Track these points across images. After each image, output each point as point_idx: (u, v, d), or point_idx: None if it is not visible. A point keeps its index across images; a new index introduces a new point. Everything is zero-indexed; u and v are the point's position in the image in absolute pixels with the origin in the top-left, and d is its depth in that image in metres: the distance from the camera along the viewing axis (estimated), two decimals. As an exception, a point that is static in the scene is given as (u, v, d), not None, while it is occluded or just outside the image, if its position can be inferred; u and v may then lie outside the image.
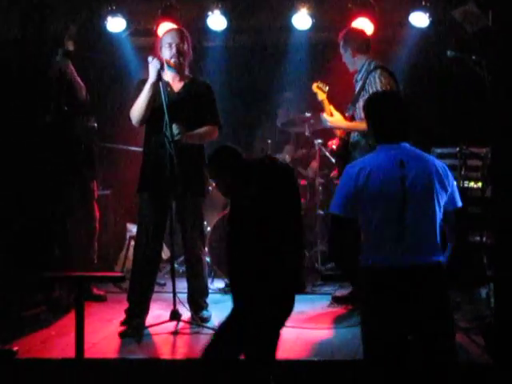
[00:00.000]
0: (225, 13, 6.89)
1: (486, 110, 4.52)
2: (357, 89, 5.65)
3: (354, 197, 3.41)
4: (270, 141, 7.06)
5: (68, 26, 6.04)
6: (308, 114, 6.99)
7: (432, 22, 6.69)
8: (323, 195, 7.20)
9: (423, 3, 6.67)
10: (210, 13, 6.88)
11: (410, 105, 3.81)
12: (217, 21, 6.93)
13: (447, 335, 3.45)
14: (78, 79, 6.08)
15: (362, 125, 5.48)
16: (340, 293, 6.05)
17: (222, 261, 6.20)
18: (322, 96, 5.78)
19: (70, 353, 4.33)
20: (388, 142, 3.51)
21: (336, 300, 5.95)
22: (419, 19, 6.73)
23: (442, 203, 3.46)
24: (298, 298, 5.94)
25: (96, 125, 6.24)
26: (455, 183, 3.61)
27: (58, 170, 5.87)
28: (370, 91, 5.41)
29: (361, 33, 5.93)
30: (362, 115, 5.47)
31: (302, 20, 6.90)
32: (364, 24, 6.75)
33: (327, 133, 7.23)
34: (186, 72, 5.40)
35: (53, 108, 5.85)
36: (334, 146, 5.84)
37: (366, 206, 3.42)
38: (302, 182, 7.26)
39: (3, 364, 4.55)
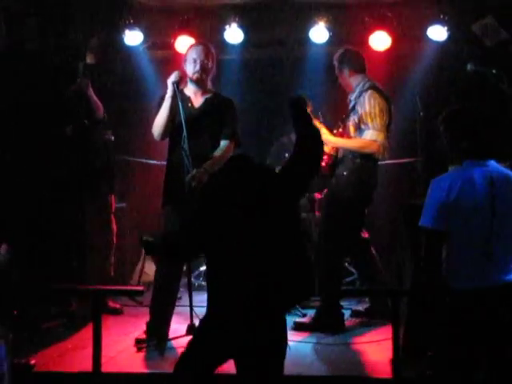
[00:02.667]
0: (242, 26, 6.91)
1: (508, 124, 4.48)
2: (349, 108, 5.63)
3: (447, 210, 3.36)
4: (287, 154, 7.02)
5: (89, 39, 6.06)
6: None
7: (450, 36, 6.66)
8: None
9: (441, 17, 6.64)
10: (227, 26, 6.90)
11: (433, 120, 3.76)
12: (234, 34, 6.95)
13: None
14: (96, 98, 6.10)
15: (348, 142, 5.53)
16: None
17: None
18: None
19: (87, 366, 4.31)
20: (476, 159, 3.46)
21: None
22: (437, 33, 6.71)
23: None
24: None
25: (113, 138, 6.26)
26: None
27: (77, 182, 5.89)
28: (360, 111, 5.43)
29: (356, 53, 5.88)
30: (352, 134, 5.48)
31: (319, 33, 6.90)
32: (381, 38, 6.75)
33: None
34: (209, 86, 5.37)
35: (73, 121, 5.88)
36: (323, 163, 5.81)
37: (456, 221, 3.37)
38: (318, 196, 7.22)
39: (21, 377, 4.52)
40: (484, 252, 3.32)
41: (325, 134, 5.55)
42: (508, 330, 3.31)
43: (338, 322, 5.53)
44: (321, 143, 3.74)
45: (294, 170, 3.62)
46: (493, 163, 3.46)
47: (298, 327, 5.57)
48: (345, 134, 5.62)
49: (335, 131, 5.71)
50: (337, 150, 5.67)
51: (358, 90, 5.57)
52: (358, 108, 5.46)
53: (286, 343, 3.47)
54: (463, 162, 3.48)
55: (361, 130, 5.44)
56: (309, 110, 5.50)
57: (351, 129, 5.53)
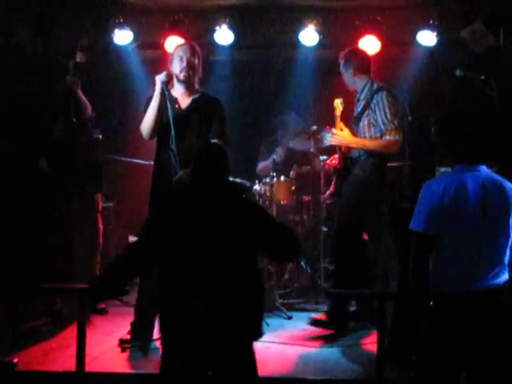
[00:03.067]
0: (232, 27, 6.90)
1: (495, 130, 4.50)
2: (359, 108, 5.64)
3: (439, 214, 3.32)
4: (274, 156, 7.04)
5: (79, 38, 6.05)
6: (314, 127, 6.97)
7: (440, 41, 6.68)
8: (327, 211, 7.17)
9: (431, 22, 6.67)
10: (217, 27, 6.88)
11: (426, 124, 3.75)
12: (224, 35, 6.94)
13: None
14: (84, 98, 6.09)
15: (369, 142, 5.50)
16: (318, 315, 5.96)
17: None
18: (337, 112, 5.77)
19: (71, 366, 4.31)
20: (468, 163, 3.43)
21: (314, 322, 5.85)
22: (427, 38, 6.73)
23: None
24: (300, 315, 6.09)
25: (101, 137, 6.25)
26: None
27: (63, 181, 5.87)
28: (377, 111, 5.46)
29: (362, 53, 5.95)
30: (367, 134, 5.51)
31: (309, 36, 6.91)
32: (371, 42, 6.77)
33: (332, 150, 7.25)
34: (196, 86, 5.37)
35: (62, 120, 5.87)
36: (334, 161, 5.83)
37: (447, 225, 3.34)
38: (306, 198, 7.24)
39: (3, 376, 4.51)
40: (473, 256, 3.31)
41: (348, 135, 5.57)
42: (495, 334, 3.31)
43: (345, 321, 5.54)
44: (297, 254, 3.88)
45: (268, 245, 3.67)
46: (484, 168, 3.45)
47: (314, 323, 5.62)
48: (357, 134, 5.63)
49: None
50: (349, 149, 5.69)
51: (366, 90, 5.59)
52: (375, 108, 5.47)
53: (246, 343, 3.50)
54: (455, 165, 3.47)
55: (379, 130, 5.44)
56: (339, 113, 5.58)
57: (366, 128, 5.55)
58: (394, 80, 6.64)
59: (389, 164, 5.76)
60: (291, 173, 7.18)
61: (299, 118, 7.65)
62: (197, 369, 3.44)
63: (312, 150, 7.19)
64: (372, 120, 5.49)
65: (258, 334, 3.55)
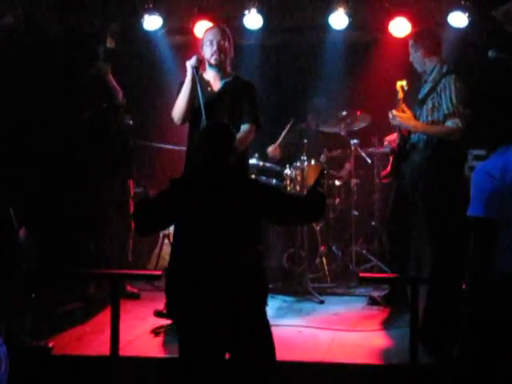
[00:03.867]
0: (261, 11, 6.85)
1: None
2: (425, 90, 5.46)
3: (500, 197, 3.23)
4: (305, 140, 7.01)
5: (109, 24, 6.06)
6: (344, 113, 6.92)
7: (471, 22, 6.57)
8: (358, 196, 7.15)
9: (462, 2, 6.54)
10: (246, 11, 6.84)
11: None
12: (253, 19, 6.89)
13: None
14: (115, 83, 6.11)
15: (430, 128, 5.33)
16: (377, 294, 5.99)
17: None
18: (400, 95, 5.65)
19: (105, 350, 4.36)
20: (508, 144, 3.34)
21: (373, 301, 5.90)
22: (458, 19, 6.61)
23: None
24: (332, 299, 6.09)
25: (131, 122, 6.27)
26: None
27: (97, 166, 5.91)
28: (443, 96, 5.23)
29: (433, 33, 5.75)
30: (429, 117, 5.37)
31: (338, 19, 6.83)
32: (401, 24, 6.70)
33: (363, 133, 7.20)
34: (229, 69, 5.35)
35: (93, 104, 5.90)
36: (395, 143, 5.71)
37: (509, 207, 3.25)
38: (337, 182, 7.20)
39: (39, 360, 4.56)
40: None
41: (410, 118, 5.46)
42: None
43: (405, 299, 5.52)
44: (321, 214, 4.09)
45: (285, 210, 3.88)
46: None
47: (373, 302, 5.77)
48: (420, 116, 5.48)
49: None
50: (409, 132, 5.53)
51: (435, 72, 5.40)
52: (441, 92, 5.28)
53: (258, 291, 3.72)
54: (498, 147, 3.37)
55: (442, 115, 5.30)
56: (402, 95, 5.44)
57: (429, 112, 5.35)
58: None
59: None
60: (322, 156, 7.14)
61: (330, 102, 7.61)
62: (213, 335, 3.60)
63: (342, 134, 7.15)
64: (436, 104, 5.26)
65: (263, 297, 3.74)
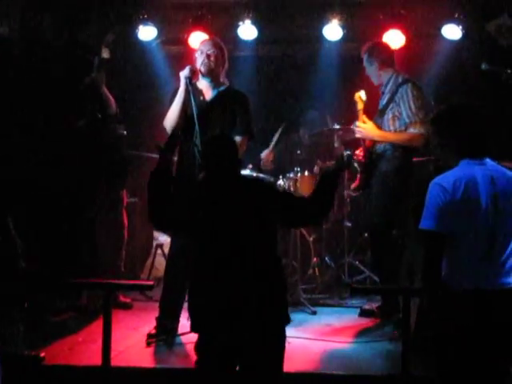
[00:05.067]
0: (255, 23, 6.91)
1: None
2: (384, 101, 5.63)
3: (451, 211, 3.25)
4: (299, 151, 7.02)
5: (104, 34, 6.09)
6: (337, 126, 6.96)
7: (465, 35, 6.63)
8: (351, 207, 7.16)
9: (456, 15, 6.62)
10: (240, 22, 6.89)
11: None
12: (247, 30, 6.95)
13: None
14: (109, 94, 6.13)
15: (393, 136, 5.46)
16: (369, 306, 5.99)
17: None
18: (360, 106, 5.74)
19: (97, 360, 4.34)
20: (473, 157, 3.37)
21: (365, 312, 5.91)
22: (452, 31, 6.68)
23: None
24: (325, 310, 6.08)
25: (125, 132, 6.27)
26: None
27: (90, 176, 5.91)
28: (401, 104, 5.45)
29: (386, 46, 5.94)
30: (391, 127, 5.48)
31: (333, 31, 6.90)
32: (395, 36, 6.74)
33: (357, 144, 7.22)
34: (222, 79, 5.37)
35: (87, 114, 5.91)
36: (361, 155, 5.80)
37: (460, 222, 3.27)
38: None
39: (30, 369, 4.54)
40: (486, 253, 3.25)
41: (372, 128, 5.54)
42: (508, 333, 3.27)
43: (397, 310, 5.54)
44: (325, 215, 4.09)
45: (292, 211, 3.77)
46: (489, 161, 3.39)
47: (364, 314, 5.77)
48: (381, 127, 5.59)
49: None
50: (373, 143, 5.64)
51: (391, 83, 5.56)
52: (399, 101, 5.45)
53: (279, 337, 3.61)
54: (461, 160, 3.39)
55: (403, 123, 5.40)
56: (362, 106, 5.53)
57: (390, 122, 5.52)
58: (418, 74, 6.59)
59: (414, 159, 5.72)
60: (315, 168, 7.15)
61: (323, 115, 7.62)
62: (227, 358, 3.54)
63: (336, 145, 7.17)
64: (396, 113, 5.46)
65: (285, 319, 3.62)
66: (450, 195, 3.25)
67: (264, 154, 7.18)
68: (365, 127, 5.58)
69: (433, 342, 3.43)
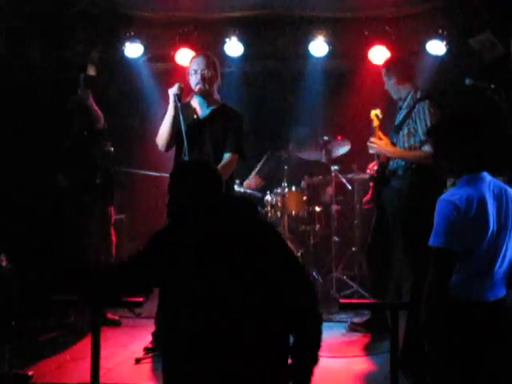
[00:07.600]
0: (241, 39, 6.95)
1: (505, 139, 4.49)
2: (400, 117, 5.53)
3: (462, 228, 3.20)
4: (286, 167, 7.05)
5: (90, 51, 6.10)
6: (326, 138, 6.97)
7: (449, 51, 6.69)
8: (338, 222, 7.19)
9: (440, 31, 6.68)
10: (227, 39, 6.94)
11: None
12: (234, 47, 6.99)
13: None
14: (96, 108, 6.14)
15: (407, 153, 5.39)
16: (357, 320, 6.01)
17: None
18: (375, 123, 5.70)
19: (85, 378, 4.31)
20: (474, 172, 3.33)
21: (353, 327, 5.92)
22: (436, 47, 6.75)
23: None
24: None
25: (112, 149, 6.28)
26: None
27: (77, 194, 5.90)
28: (418, 121, 5.31)
29: (405, 61, 5.87)
30: (406, 143, 5.40)
31: (318, 47, 6.95)
32: (380, 52, 6.80)
33: (343, 160, 7.26)
34: (216, 96, 5.38)
35: (73, 133, 5.91)
36: (373, 170, 5.75)
37: (471, 238, 3.23)
38: (318, 209, 7.24)
39: (19, 389, 4.53)
40: (488, 267, 3.26)
41: (386, 144, 5.51)
42: (504, 344, 3.29)
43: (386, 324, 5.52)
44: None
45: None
46: (488, 175, 3.37)
47: (353, 328, 5.76)
48: (397, 143, 5.53)
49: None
50: (387, 159, 5.59)
51: (409, 99, 5.49)
52: (416, 117, 5.34)
53: None
54: (462, 175, 3.35)
55: (418, 140, 5.31)
56: (378, 123, 5.48)
57: (405, 138, 5.41)
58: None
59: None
60: (302, 183, 7.19)
61: (310, 130, 7.67)
62: None
63: (323, 160, 7.21)
64: (412, 130, 5.34)
65: None
66: (463, 213, 3.20)
67: (247, 182, 7.22)
68: (379, 143, 5.53)
69: (428, 357, 3.42)
